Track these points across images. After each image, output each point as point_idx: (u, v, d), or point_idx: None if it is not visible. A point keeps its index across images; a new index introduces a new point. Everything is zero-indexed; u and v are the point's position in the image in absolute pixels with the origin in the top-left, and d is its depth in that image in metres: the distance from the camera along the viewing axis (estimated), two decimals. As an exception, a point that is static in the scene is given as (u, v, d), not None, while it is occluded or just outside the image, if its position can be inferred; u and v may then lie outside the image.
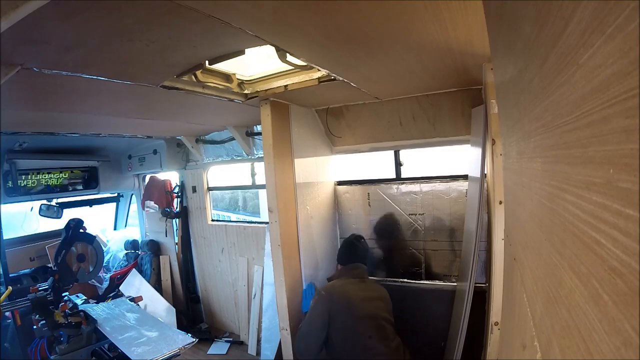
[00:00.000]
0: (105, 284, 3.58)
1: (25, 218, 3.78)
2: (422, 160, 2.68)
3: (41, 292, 2.14)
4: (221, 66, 1.63)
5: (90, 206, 3.71)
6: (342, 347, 1.84)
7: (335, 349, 1.86)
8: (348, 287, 1.98)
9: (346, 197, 2.76)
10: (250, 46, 1.33)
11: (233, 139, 2.99)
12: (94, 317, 2.11)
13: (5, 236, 2.85)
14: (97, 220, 4.13)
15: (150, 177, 3.81)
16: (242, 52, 1.36)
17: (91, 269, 2.46)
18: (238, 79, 1.89)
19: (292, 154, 2.27)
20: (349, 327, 1.86)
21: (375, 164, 2.84)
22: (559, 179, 0.40)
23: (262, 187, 3.13)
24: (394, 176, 2.59)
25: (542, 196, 0.51)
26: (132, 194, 4.13)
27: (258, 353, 3.02)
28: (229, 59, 1.40)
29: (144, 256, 3.80)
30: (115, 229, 4.28)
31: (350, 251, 2.14)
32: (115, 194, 4.05)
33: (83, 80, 1.39)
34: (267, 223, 2.31)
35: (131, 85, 1.54)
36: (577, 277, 0.34)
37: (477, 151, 1.90)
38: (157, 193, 3.71)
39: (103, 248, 3.32)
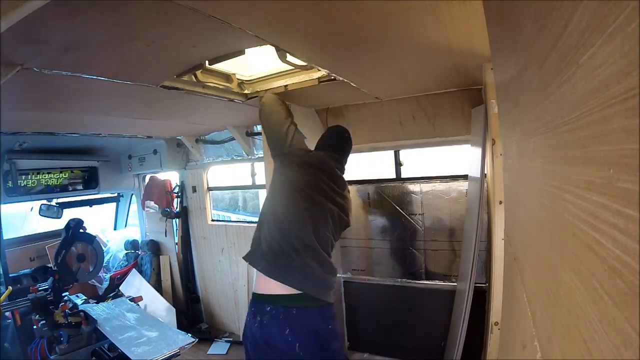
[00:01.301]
0: (105, 284, 3.58)
1: (25, 218, 3.78)
2: (422, 160, 2.68)
3: (41, 292, 2.14)
4: (221, 66, 1.63)
5: (90, 206, 3.71)
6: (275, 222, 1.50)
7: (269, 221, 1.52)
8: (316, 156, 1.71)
9: (346, 197, 2.76)
10: (250, 46, 1.33)
11: (233, 139, 2.99)
12: (94, 317, 2.11)
13: (5, 236, 2.85)
14: (97, 220, 4.13)
15: (150, 177, 3.81)
16: (242, 52, 1.36)
17: (91, 269, 2.46)
18: (238, 79, 1.89)
19: (292, 154, 2.27)
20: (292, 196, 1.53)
21: (375, 164, 2.84)
22: (559, 179, 0.40)
23: (262, 187, 3.13)
24: (394, 176, 2.59)
25: (542, 196, 0.51)
26: (132, 194, 4.13)
27: (258, 353, 3.02)
28: (229, 59, 1.40)
29: (144, 256, 3.80)
30: (115, 229, 4.28)
31: (334, 137, 1.92)
32: (115, 194, 4.05)
33: (83, 80, 1.39)
34: (267, 223, 2.31)
35: (131, 85, 1.54)
36: (577, 277, 0.34)
37: (477, 151, 1.90)
38: (157, 193, 3.71)
39: (103, 248, 3.33)
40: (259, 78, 1.93)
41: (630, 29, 0.20)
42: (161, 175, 3.82)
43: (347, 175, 2.74)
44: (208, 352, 3.17)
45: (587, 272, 0.31)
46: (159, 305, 3.36)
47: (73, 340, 1.99)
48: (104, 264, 3.59)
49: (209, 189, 3.58)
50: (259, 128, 2.76)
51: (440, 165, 2.64)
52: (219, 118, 2.65)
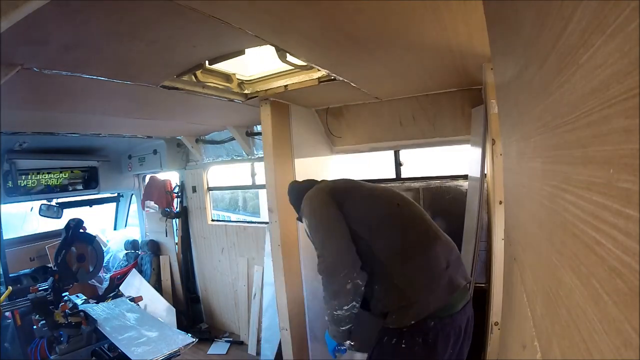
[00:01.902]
0: (105, 284, 3.58)
1: (25, 218, 3.78)
2: (422, 160, 2.68)
3: (41, 292, 2.14)
4: (221, 66, 1.63)
5: (90, 206, 3.71)
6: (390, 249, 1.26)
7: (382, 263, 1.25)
8: (335, 183, 1.48)
9: (346, 197, 2.76)
10: (250, 46, 1.33)
11: (233, 139, 2.99)
12: (94, 317, 2.11)
13: (5, 236, 2.85)
14: (97, 220, 4.13)
15: (150, 177, 3.81)
16: (242, 52, 1.36)
17: (91, 269, 2.46)
18: (238, 79, 1.90)
19: (292, 154, 2.27)
20: (379, 215, 1.30)
21: (375, 164, 2.84)
22: (559, 179, 0.40)
23: (262, 187, 3.13)
24: (394, 176, 2.59)
25: (542, 196, 0.51)
26: (132, 194, 4.13)
27: (258, 353, 3.02)
28: (229, 59, 1.40)
29: (144, 256, 3.80)
30: (115, 229, 4.28)
31: (300, 184, 1.64)
32: (115, 194, 4.05)
33: (83, 80, 1.39)
34: (267, 223, 2.31)
35: (131, 85, 1.54)
36: (577, 277, 0.34)
37: (477, 151, 1.90)
38: (157, 193, 3.71)
39: (103, 248, 3.33)
40: (259, 78, 1.93)
41: (630, 29, 0.20)
42: (161, 175, 3.82)
43: (348, 176, 2.74)
44: (208, 352, 3.17)
45: (587, 272, 0.31)
46: (159, 305, 3.36)
47: (73, 340, 1.99)
48: (104, 264, 3.60)
49: (209, 189, 3.58)
50: (258, 128, 2.76)
51: (440, 165, 2.64)
52: (219, 118, 2.65)
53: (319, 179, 1.67)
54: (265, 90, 1.96)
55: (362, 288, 1.25)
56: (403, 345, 1.21)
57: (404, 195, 1.49)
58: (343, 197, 1.34)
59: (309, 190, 1.47)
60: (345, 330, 1.30)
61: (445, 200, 2.37)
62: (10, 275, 2.79)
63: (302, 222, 1.47)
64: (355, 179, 1.59)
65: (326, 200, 1.34)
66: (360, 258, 1.26)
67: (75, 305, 2.17)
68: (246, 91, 2.00)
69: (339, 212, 1.31)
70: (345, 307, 1.25)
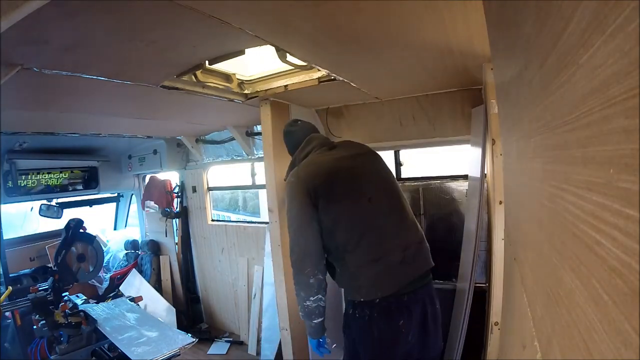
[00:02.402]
0: (105, 284, 3.58)
1: (25, 218, 3.79)
2: (422, 160, 2.68)
3: (41, 292, 2.14)
4: (221, 66, 1.63)
5: (90, 206, 3.71)
6: (350, 241, 1.38)
7: (344, 250, 1.38)
8: (320, 158, 1.50)
9: (346, 197, 2.76)
10: (250, 46, 1.33)
11: (233, 139, 2.99)
12: (94, 317, 2.11)
13: (5, 236, 2.85)
14: (97, 220, 4.13)
15: (150, 177, 3.81)
16: (242, 52, 1.36)
17: (91, 269, 2.46)
18: (238, 79, 1.90)
19: (292, 154, 2.27)
20: (346, 210, 1.40)
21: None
22: (559, 179, 0.40)
23: (262, 187, 3.13)
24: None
25: (542, 196, 0.51)
26: (132, 194, 4.13)
27: (258, 353, 3.02)
28: (229, 59, 1.40)
29: (144, 256, 3.80)
30: (115, 229, 4.28)
31: (293, 132, 1.68)
32: (115, 194, 4.05)
33: (83, 80, 1.39)
34: (267, 223, 2.31)
35: (131, 85, 1.54)
36: (577, 277, 0.34)
37: (477, 151, 1.90)
38: (157, 193, 3.71)
39: (103, 248, 3.32)
40: (259, 78, 1.93)
41: (630, 29, 0.20)
42: (161, 175, 3.82)
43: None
44: (208, 352, 3.17)
45: (587, 272, 0.31)
46: (159, 305, 3.36)
47: (73, 340, 1.99)
48: (104, 264, 3.59)
49: (209, 189, 3.58)
50: (259, 128, 2.76)
51: (440, 165, 2.64)
52: (219, 118, 2.66)
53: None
54: (265, 90, 1.96)
55: (325, 283, 1.44)
56: (357, 315, 1.39)
57: (385, 180, 1.53)
58: (316, 198, 1.42)
59: (293, 172, 1.52)
60: (317, 324, 1.46)
61: (445, 200, 2.37)
62: (10, 275, 2.79)
63: None
64: (344, 144, 1.62)
65: (304, 199, 1.43)
66: (326, 244, 1.43)
67: (75, 305, 2.17)
68: (246, 91, 2.00)
69: (312, 211, 1.42)
70: (312, 299, 1.42)
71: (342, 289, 1.51)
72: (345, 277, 1.42)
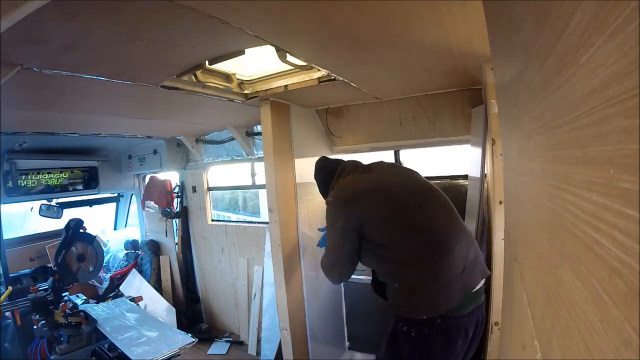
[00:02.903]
0: (105, 284, 3.58)
1: (25, 218, 3.78)
2: (422, 160, 2.68)
3: (41, 292, 2.14)
4: (221, 66, 1.63)
5: (90, 206, 3.71)
6: (403, 255, 1.34)
7: (395, 266, 1.35)
8: (359, 178, 1.53)
9: (346, 197, 2.76)
10: (250, 46, 1.33)
11: (233, 139, 2.99)
12: (94, 317, 2.11)
13: (5, 236, 2.85)
14: (97, 220, 4.13)
15: (150, 177, 3.81)
16: (242, 52, 1.36)
17: (91, 269, 2.46)
18: (238, 79, 1.89)
19: (292, 154, 2.27)
20: (399, 220, 1.36)
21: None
22: (559, 179, 0.40)
23: (262, 187, 3.13)
24: (394, 176, 2.59)
25: (542, 196, 0.51)
26: (132, 194, 4.13)
27: (258, 353, 3.02)
28: (229, 59, 1.40)
29: (144, 256, 3.80)
30: (115, 229, 4.28)
31: (325, 165, 1.72)
32: (115, 194, 4.05)
33: (83, 80, 1.39)
34: (267, 223, 2.31)
35: (131, 85, 1.54)
36: (577, 277, 0.34)
37: (477, 151, 1.90)
38: (157, 193, 3.71)
39: (103, 248, 3.33)
40: (259, 78, 1.93)
41: (630, 29, 0.20)
42: (161, 175, 3.82)
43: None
44: (208, 352, 3.17)
45: (587, 272, 0.31)
46: (159, 305, 3.37)
47: (73, 340, 1.99)
48: (104, 264, 3.60)
49: (209, 189, 3.58)
50: (258, 128, 2.76)
51: (440, 165, 2.64)
52: (219, 118, 2.66)
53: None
54: (265, 90, 1.96)
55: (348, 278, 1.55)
56: (412, 334, 1.33)
57: (426, 186, 1.53)
58: (359, 222, 1.40)
59: (337, 186, 1.57)
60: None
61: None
62: (10, 275, 2.79)
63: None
64: (381, 165, 1.65)
65: (346, 211, 1.43)
66: (380, 259, 1.40)
67: (75, 305, 2.17)
68: (246, 91, 2.00)
69: (351, 234, 1.42)
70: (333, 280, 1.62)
71: (392, 303, 1.42)
72: (404, 294, 1.35)
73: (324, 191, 1.71)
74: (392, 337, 1.41)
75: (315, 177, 1.77)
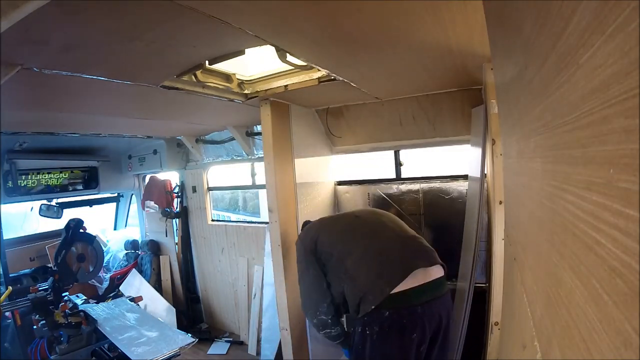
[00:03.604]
0: (105, 284, 3.58)
1: (25, 218, 3.78)
2: (422, 160, 2.68)
3: (41, 292, 2.14)
4: (221, 66, 1.63)
5: (90, 206, 3.71)
6: (358, 275, 1.44)
7: (353, 284, 1.44)
8: (330, 219, 1.86)
9: (346, 197, 2.76)
10: (250, 46, 1.33)
11: (233, 139, 2.99)
12: (94, 317, 2.11)
13: (5, 236, 2.85)
14: (97, 220, 4.12)
15: (150, 177, 3.81)
16: (242, 52, 1.36)
17: (91, 269, 2.46)
18: (238, 79, 1.89)
19: (292, 154, 2.27)
20: (339, 229, 1.65)
21: (375, 164, 2.84)
22: (559, 179, 0.40)
23: (262, 187, 3.13)
24: (394, 176, 2.59)
25: (542, 196, 0.51)
26: (132, 194, 4.13)
27: (258, 353, 3.02)
28: (229, 59, 1.40)
29: (144, 256, 3.80)
30: (115, 229, 4.28)
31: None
32: (115, 194, 4.05)
33: (83, 80, 1.39)
34: (267, 223, 2.31)
35: (131, 85, 1.54)
36: (577, 277, 0.34)
37: (477, 151, 1.90)
38: (157, 193, 3.71)
39: (103, 248, 3.32)
40: (259, 78, 1.93)
41: (630, 29, 0.20)
42: (161, 175, 3.82)
43: (348, 175, 2.72)
44: (208, 352, 3.17)
45: (587, 272, 0.31)
46: (159, 305, 3.36)
47: (73, 340, 1.99)
48: (104, 264, 3.60)
49: (209, 189, 3.58)
50: (258, 128, 2.76)
51: (440, 165, 2.63)
52: (219, 118, 2.65)
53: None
54: (265, 90, 1.96)
55: (329, 320, 1.58)
56: (367, 332, 1.37)
57: (371, 209, 1.82)
58: (314, 241, 1.64)
59: (300, 233, 1.82)
60: (334, 337, 1.66)
61: (445, 200, 2.37)
62: (10, 275, 2.79)
63: None
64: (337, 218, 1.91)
65: (301, 255, 1.68)
66: (334, 273, 1.55)
67: (75, 305, 2.17)
68: (246, 91, 2.00)
69: (307, 264, 1.62)
70: (322, 332, 1.64)
71: (351, 317, 1.52)
72: (355, 290, 1.41)
73: None
74: (352, 340, 1.48)
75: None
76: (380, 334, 1.32)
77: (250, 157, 3.04)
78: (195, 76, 1.65)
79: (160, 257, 3.82)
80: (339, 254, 1.53)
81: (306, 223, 1.99)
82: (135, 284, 3.52)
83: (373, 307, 1.33)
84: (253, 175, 3.36)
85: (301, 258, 1.67)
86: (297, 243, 1.75)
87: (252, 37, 1.16)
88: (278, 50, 1.34)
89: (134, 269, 3.67)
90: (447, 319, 1.41)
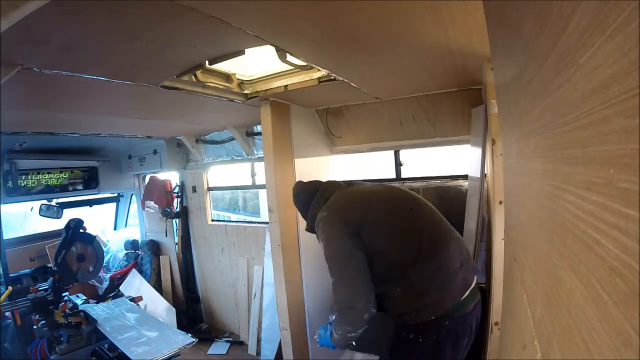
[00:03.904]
0: (105, 284, 3.58)
1: (25, 218, 3.78)
2: (422, 160, 2.68)
3: (41, 292, 2.14)
4: (221, 66, 1.63)
5: (90, 206, 3.71)
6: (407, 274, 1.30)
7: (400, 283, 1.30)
8: (346, 193, 1.50)
9: (346, 197, 2.76)
10: (250, 46, 1.33)
11: (233, 139, 2.99)
12: (94, 317, 2.11)
13: (5, 236, 2.85)
14: (97, 220, 4.13)
15: (150, 177, 3.81)
16: (242, 52, 1.36)
17: (91, 269, 2.46)
18: (238, 79, 1.89)
19: (292, 154, 2.27)
20: (393, 222, 1.36)
21: (375, 164, 2.84)
22: (559, 179, 0.40)
23: (262, 187, 3.13)
24: (394, 176, 2.59)
25: (542, 196, 0.51)
26: (132, 194, 4.13)
27: (258, 353, 3.02)
28: (229, 59, 1.40)
29: (144, 256, 3.80)
30: (115, 229, 4.28)
31: (303, 190, 1.68)
32: (115, 194, 4.05)
33: (83, 80, 1.39)
34: (267, 223, 2.31)
35: (131, 85, 1.54)
36: (577, 277, 0.34)
37: (477, 151, 1.90)
38: (157, 193, 3.71)
39: (103, 248, 3.32)
40: (259, 78, 1.93)
41: (630, 29, 0.20)
42: (161, 175, 3.82)
43: (348, 175, 2.72)
44: (208, 352, 3.17)
45: (587, 272, 0.31)
46: (159, 305, 3.36)
47: (73, 340, 1.99)
48: (104, 264, 3.59)
49: (209, 189, 3.58)
50: (258, 128, 2.76)
51: (440, 165, 2.64)
52: (219, 118, 2.65)
53: (322, 179, 1.75)
54: (265, 90, 1.96)
55: (372, 316, 1.32)
56: (420, 340, 1.30)
57: (414, 195, 1.54)
58: (358, 224, 1.36)
59: (322, 210, 1.48)
60: (350, 343, 1.41)
61: (445, 200, 2.37)
62: (10, 275, 2.79)
63: (312, 232, 1.55)
64: (361, 182, 1.65)
65: (340, 231, 1.36)
66: (378, 270, 1.33)
67: (75, 305, 2.17)
68: (246, 91, 2.00)
69: (353, 243, 1.33)
70: (359, 331, 1.33)
71: (395, 313, 1.37)
72: (408, 298, 1.32)
73: (306, 214, 1.65)
74: (396, 346, 1.35)
75: (295, 203, 1.74)
76: (437, 342, 1.30)
77: (250, 157, 3.04)
78: (195, 76, 1.65)
79: (160, 257, 3.82)
80: (396, 255, 1.33)
81: (301, 185, 1.73)
82: (135, 284, 3.52)
83: (433, 317, 1.29)
84: (253, 175, 3.36)
85: (340, 243, 1.34)
86: (326, 218, 1.42)
87: (252, 37, 1.16)
88: (278, 50, 1.34)
89: (134, 269, 3.67)
90: (480, 319, 1.43)
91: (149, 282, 3.58)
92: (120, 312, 2.29)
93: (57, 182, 3.21)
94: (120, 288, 3.48)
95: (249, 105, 2.12)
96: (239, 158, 3.16)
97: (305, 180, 1.82)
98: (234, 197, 6.33)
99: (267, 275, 2.96)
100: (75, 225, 2.30)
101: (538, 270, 0.58)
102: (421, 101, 2.22)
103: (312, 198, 1.60)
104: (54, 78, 1.32)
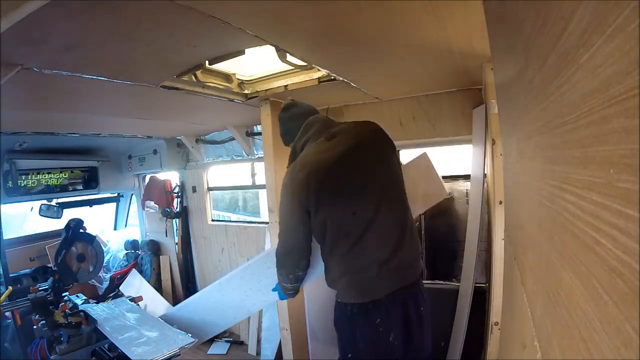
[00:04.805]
0: (105, 284, 3.58)
1: (25, 218, 3.79)
2: (422, 160, 2.67)
3: (41, 292, 2.13)
4: (221, 66, 1.63)
5: (90, 206, 3.71)
6: (336, 250, 1.36)
7: (331, 255, 1.38)
8: (316, 154, 1.38)
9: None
10: (250, 46, 1.33)
11: (233, 139, 2.99)
12: (94, 317, 2.11)
13: (5, 236, 2.85)
14: (97, 220, 4.13)
15: (150, 177, 3.81)
16: (242, 52, 1.36)
17: (91, 269, 2.46)
18: (238, 79, 1.90)
19: (292, 154, 2.27)
20: (335, 217, 1.34)
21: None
22: (559, 179, 0.40)
23: (262, 187, 3.13)
24: (394, 176, 2.59)
25: (542, 196, 0.51)
26: (132, 194, 4.13)
27: (258, 353, 3.02)
28: (229, 59, 1.40)
29: (144, 256, 3.80)
30: (115, 229, 4.28)
31: (288, 118, 1.53)
32: (115, 194, 4.05)
33: (83, 80, 1.39)
34: (267, 223, 2.31)
35: (131, 85, 1.54)
36: (577, 277, 0.34)
37: (477, 151, 1.90)
38: (157, 193, 3.71)
39: (103, 248, 3.32)
40: (259, 78, 1.93)
41: (630, 29, 0.20)
42: (161, 175, 3.82)
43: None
44: (208, 352, 3.17)
45: (587, 272, 0.31)
46: (159, 305, 3.36)
47: (73, 340, 1.99)
48: (104, 264, 3.59)
49: (209, 189, 3.58)
50: (258, 128, 2.76)
51: (441, 165, 2.63)
52: (219, 118, 2.66)
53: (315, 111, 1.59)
54: (265, 90, 1.96)
55: (303, 275, 1.54)
56: (341, 311, 1.41)
57: (379, 190, 1.39)
58: (312, 201, 1.34)
59: (288, 169, 1.43)
60: (291, 292, 1.63)
61: (445, 200, 2.37)
62: (10, 275, 2.78)
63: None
64: (336, 131, 1.46)
65: (295, 203, 1.37)
66: (319, 241, 1.42)
67: (75, 305, 2.17)
68: (246, 91, 2.00)
69: (303, 215, 1.36)
70: (290, 285, 1.56)
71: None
72: (329, 277, 1.46)
73: (285, 139, 1.57)
74: (334, 314, 1.47)
75: (279, 119, 1.58)
76: (351, 316, 1.39)
77: (250, 157, 3.04)
78: (195, 76, 1.65)
79: (160, 257, 3.82)
80: (327, 241, 1.38)
81: (292, 111, 1.54)
82: (135, 284, 3.52)
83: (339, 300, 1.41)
84: (253, 175, 3.36)
85: (292, 211, 1.38)
86: (286, 186, 1.40)
87: (252, 37, 1.16)
88: (278, 50, 1.34)
89: (134, 269, 3.67)
90: (415, 306, 1.42)
91: (149, 282, 3.58)
92: (120, 312, 2.29)
93: (57, 182, 3.21)
94: (120, 288, 3.48)
95: (249, 105, 2.12)
96: (239, 158, 3.16)
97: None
98: (234, 197, 6.33)
99: (267, 275, 2.96)
100: (75, 225, 2.29)
101: (538, 270, 0.58)
102: (421, 101, 2.22)
103: (294, 134, 1.50)
104: (54, 78, 1.32)
